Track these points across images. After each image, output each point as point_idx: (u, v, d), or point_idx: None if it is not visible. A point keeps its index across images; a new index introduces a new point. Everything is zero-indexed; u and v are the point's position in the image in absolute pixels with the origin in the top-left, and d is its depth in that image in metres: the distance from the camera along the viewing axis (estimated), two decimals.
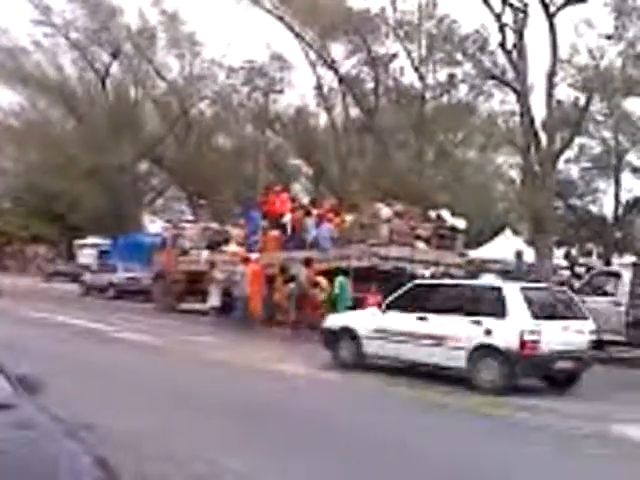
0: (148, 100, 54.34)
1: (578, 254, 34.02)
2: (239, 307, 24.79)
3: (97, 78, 54.09)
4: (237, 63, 48.94)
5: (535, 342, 13.86)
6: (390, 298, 16.51)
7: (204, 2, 62.61)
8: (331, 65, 45.70)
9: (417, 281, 17.74)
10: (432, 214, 26.40)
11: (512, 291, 14.66)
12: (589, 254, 34.31)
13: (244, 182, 48.97)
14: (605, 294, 19.90)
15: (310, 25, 44.88)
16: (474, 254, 31.56)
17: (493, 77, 38.63)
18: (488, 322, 14.20)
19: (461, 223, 26.53)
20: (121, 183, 50.42)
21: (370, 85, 45.89)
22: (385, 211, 24.91)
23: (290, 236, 26.61)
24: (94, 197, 48.74)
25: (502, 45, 35.41)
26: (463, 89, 43.31)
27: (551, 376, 14.80)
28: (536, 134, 34.53)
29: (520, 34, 34.63)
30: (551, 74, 34.15)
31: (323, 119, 50.37)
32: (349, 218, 25.83)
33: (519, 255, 28.57)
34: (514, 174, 48.42)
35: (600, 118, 40.90)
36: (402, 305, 15.93)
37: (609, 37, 35.44)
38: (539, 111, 35.74)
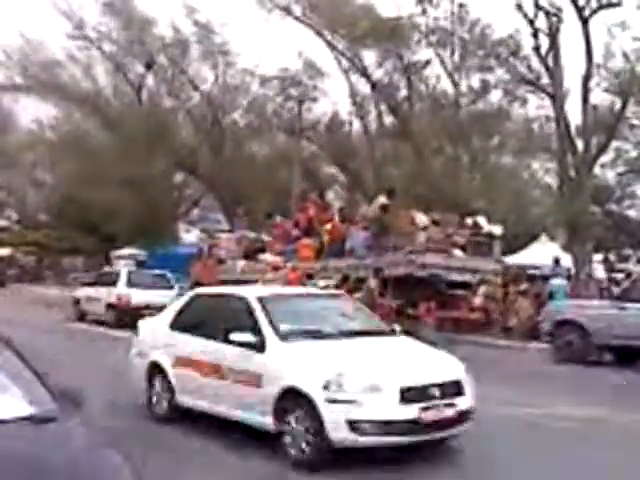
0: (182, 110, 54.52)
1: (616, 260, 33.69)
2: None
3: (132, 89, 54.38)
4: (271, 72, 49.04)
5: (127, 299, 27.68)
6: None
7: (236, 12, 62.85)
8: (364, 73, 45.63)
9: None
10: (468, 221, 26.30)
11: (123, 273, 29.77)
12: (627, 259, 33.93)
13: (279, 191, 49.02)
14: None
15: (341, 34, 44.85)
16: (510, 260, 31.38)
17: (527, 82, 38.41)
18: (112, 289, 28.32)
19: (497, 229, 26.41)
20: (156, 193, 50.59)
21: (404, 92, 45.76)
22: (421, 218, 24.86)
23: (329, 244, 26.61)
24: (130, 208, 48.98)
25: (536, 50, 35.23)
26: (497, 95, 43.13)
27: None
28: (572, 139, 34.32)
29: (554, 39, 34.43)
30: (586, 78, 33.91)
31: (357, 126, 50.26)
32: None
33: (557, 261, 28.35)
34: (550, 179, 48.12)
35: (636, 122, 40.52)
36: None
37: None
38: (575, 116, 35.55)
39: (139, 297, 27.23)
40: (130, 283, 28.19)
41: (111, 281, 28.98)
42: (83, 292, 30.83)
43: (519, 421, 11.47)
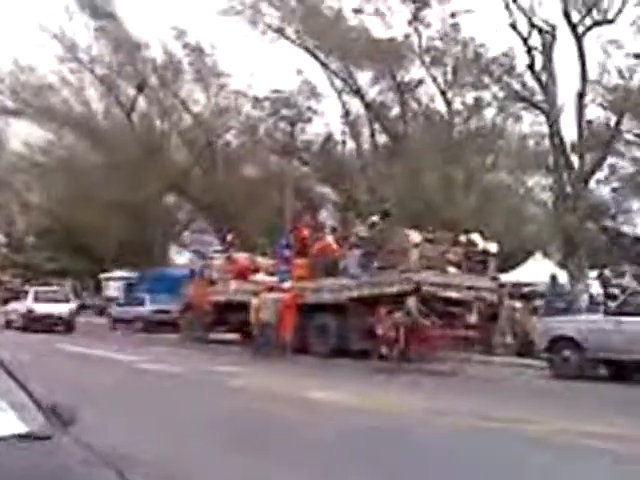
0: (174, 132, 54.46)
1: (611, 275, 33.49)
2: (261, 336, 24.76)
3: (123, 112, 54.31)
4: (265, 92, 49.03)
5: (33, 311, 35.70)
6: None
7: (228, 33, 62.96)
8: (357, 92, 45.64)
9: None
10: (462, 238, 26.05)
11: (31, 290, 38.25)
12: (623, 275, 33.74)
13: (271, 211, 48.86)
14: None
15: (334, 54, 44.90)
16: (505, 278, 31.11)
17: (522, 99, 38.43)
18: (24, 303, 36.60)
19: (493, 247, 26.15)
20: (148, 216, 50.49)
21: (397, 111, 45.77)
22: (415, 236, 24.60)
23: (320, 263, 26.45)
24: (121, 230, 48.87)
25: (530, 67, 35.27)
26: (491, 112, 43.15)
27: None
28: (567, 155, 34.28)
29: (548, 56, 34.46)
30: (581, 95, 33.96)
31: (351, 146, 50.18)
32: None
33: (554, 278, 28.13)
34: (545, 196, 48.10)
35: (631, 138, 40.49)
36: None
37: (638, 56, 35.23)
38: (569, 132, 35.49)
39: (41, 309, 36.05)
40: (36, 298, 36.77)
41: (25, 297, 37.83)
42: (10, 305, 39.67)
43: (512, 436, 11.20)
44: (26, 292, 39.46)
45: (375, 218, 25.91)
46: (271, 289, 25.88)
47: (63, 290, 42.61)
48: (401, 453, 9.80)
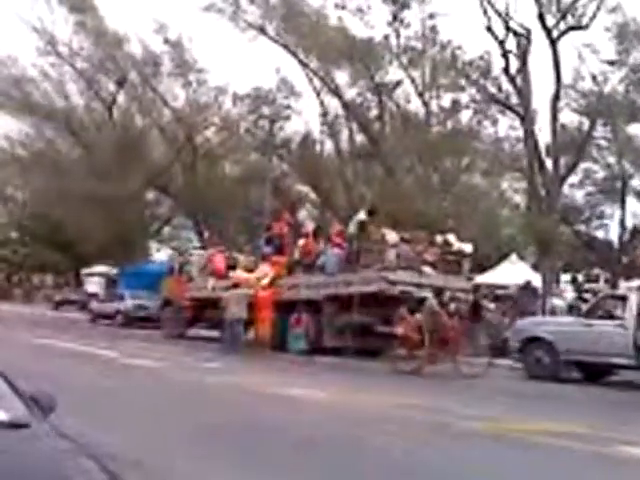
0: (154, 128, 54.37)
1: (584, 279, 33.92)
2: (230, 331, 24.93)
3: (103, 107, 54.18)
4: (245, 89, 49.19)
5: None
6: None
7: (211, 30, 62.86)
8: (335, 92, 45.76)
9: None
10: (438, 239, 26.35)
11: None
12: (596, 279, 34.19)
13: (250, 209, 49.01)
14: (612, 317, 19.82)
15: (314, 53, 45.04)
16: (480, 279, 31.50)
17: (497, 102, 38.78)
18: None
19: (468, 247, 26.46)
20: (128, 211, 50.38)
21: (375, 112, 45.97)
22: (392, 236, 24.89)
23: (299, 261, 26.71)
24: (101, 226, 48.74)
25: (506, 70, 35.62)
26: (467, 114, 43.49)
27: None
28: (541, 158, 34.64)
29: (523, 60, 34.84)
30: (555, 99, 34.33)
31: (329, 145, 50.36)
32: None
33: (526, 286, 28.53)
34: (519, 199, 48.40)
35: (604, 143, 40.91)
36: None
37: (612, 63, 35.71)
38: (544, 136, 35.90)
39: None
40: None
41: None
42: None
43: (485, 435, 11.52)
44: None
45: (362, 216, 26.06)
46: (237, 285, 26.03)
47: None
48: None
